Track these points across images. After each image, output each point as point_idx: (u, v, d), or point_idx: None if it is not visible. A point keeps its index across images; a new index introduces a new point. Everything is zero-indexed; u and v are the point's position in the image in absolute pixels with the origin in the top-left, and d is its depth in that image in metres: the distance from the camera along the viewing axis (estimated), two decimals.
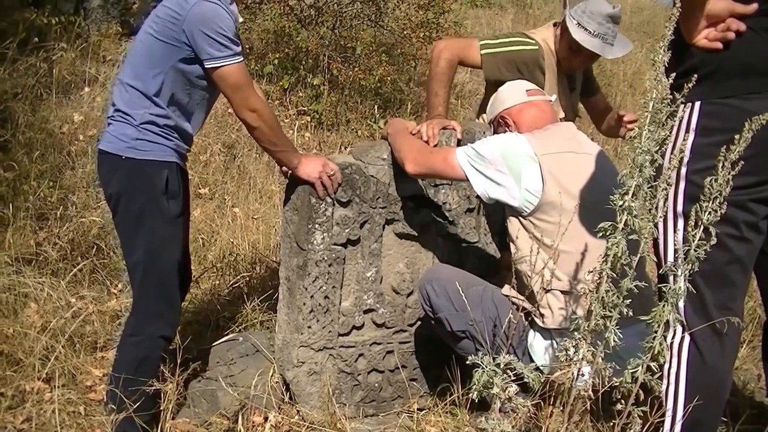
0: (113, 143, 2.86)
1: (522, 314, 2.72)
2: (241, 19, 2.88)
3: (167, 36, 2.76)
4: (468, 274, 2.98)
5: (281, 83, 7.31)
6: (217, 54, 2.72)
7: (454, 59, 3.60)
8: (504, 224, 2.88)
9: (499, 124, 3.02)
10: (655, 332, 2.14)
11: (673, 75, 2.10)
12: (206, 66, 2.76)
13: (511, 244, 2.80)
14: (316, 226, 2.98)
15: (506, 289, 2.84)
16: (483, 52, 3.59)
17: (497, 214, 3.27)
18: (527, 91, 3.02)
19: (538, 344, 2.74)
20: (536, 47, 3.59)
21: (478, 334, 2.80)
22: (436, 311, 2.91)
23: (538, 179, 2.65)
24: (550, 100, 3.04)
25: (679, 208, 2.28)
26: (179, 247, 2.99)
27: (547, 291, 2.64)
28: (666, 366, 2.32)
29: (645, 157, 2.06)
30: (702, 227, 2.10)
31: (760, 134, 2.04)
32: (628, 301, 2.14)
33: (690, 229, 2.12)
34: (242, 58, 2.80)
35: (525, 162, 2.67)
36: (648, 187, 2.10)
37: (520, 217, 2.72)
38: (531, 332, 2.77)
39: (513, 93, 3.04)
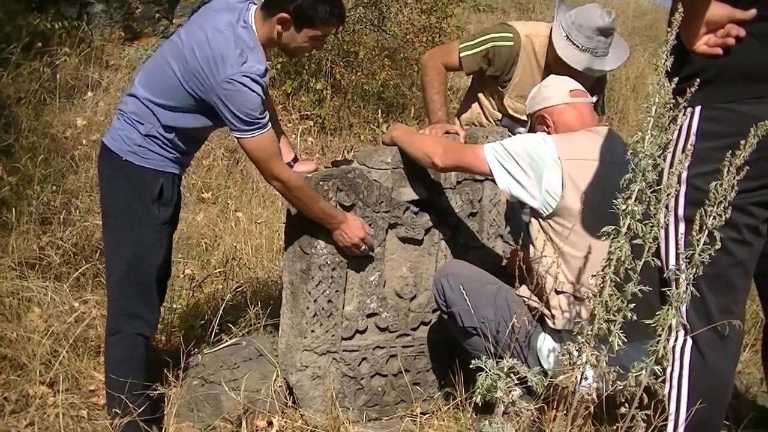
0: (117, 143, 2.89)
1: (533, 316, 2.73)
2: (268, 63, 2.83)
3: (192, 89, 2.75)
4: (484, 272, 2.99)
5: (284, 88, 7.31)
6: (242, 127, 2.72)
7: (438, 66, 3.77)
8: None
9: (538, 121, 2.98)
10: (659, 336, 2.14)
11: (676, 79, 2.10)
12: (232, 134, 2.78)
13: (530, 244, 2.81)
14: (320, 230, 2.98)
15: (523, 290, 2.85)
16: (462, 55, 3.74)
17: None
18: (571, 91, 2.95)
19: (546, 347, 2.74)
20: (511, 44, 3.69)
21: (489, 332, 2.80)
22: (449, 305, 2.92)
23: (558, 182, 2.64)
24: (592, 102, 3.03)
25: (680, 212, 2.28)
26: (163, 251, 3.04)
27: (559, 293, 2.66)
28: (668, 369, 2.32)
29: (648, 161, 2.07)
30: (706, 231, 2.11)
31: (762, 138, 2.05)
32: (632, 305, 2.14)
33: (694, 234, 2.13)
34: (267, 128, 2.77)
35: (548, 164, 2.66)
36: (651, 192, 2.10)
37: (540, 219, 2.73)
38: (541, 335, 2.77)
39: (557, 91, 2.97)
